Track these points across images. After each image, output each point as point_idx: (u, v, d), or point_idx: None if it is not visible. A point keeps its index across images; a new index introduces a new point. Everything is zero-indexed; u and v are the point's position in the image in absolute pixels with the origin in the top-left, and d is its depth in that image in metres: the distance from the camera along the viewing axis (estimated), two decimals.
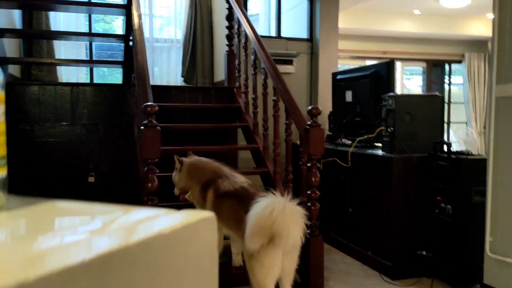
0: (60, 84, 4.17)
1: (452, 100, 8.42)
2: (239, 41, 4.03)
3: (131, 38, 3.66)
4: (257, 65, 3.65)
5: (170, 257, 0.39)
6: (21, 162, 3.77)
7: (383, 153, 3.07)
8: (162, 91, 4.06)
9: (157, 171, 2.49)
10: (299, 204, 2.04)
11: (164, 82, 5.54)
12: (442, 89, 8.38)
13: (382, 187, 3.04)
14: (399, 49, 7.70)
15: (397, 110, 2.97)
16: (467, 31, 7.66)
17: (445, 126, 7.06)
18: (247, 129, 3.80)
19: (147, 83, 2.78)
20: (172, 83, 5.57)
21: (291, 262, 2.17)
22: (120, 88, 4.18)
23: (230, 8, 4.16)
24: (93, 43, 5.46)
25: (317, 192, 2.67)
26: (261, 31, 5.50)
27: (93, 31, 5.40)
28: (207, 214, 0.44)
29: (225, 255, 2.71)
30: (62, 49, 5.15)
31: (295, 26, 5.04)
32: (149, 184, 2.45)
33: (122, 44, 4.26)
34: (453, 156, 2.79)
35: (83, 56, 5.37)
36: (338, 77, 4.00)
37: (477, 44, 8.12)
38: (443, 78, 8.51)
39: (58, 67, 5.00)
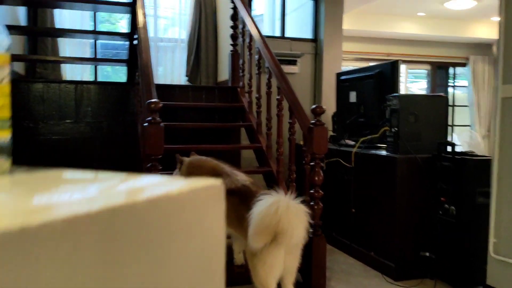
0: (65, 82, 4.18)
1: (456, 104, 8.39)
2: (244, 40, 4.03)
3: (135, 36, 3.67)
4: (261, 64, 3.65)
5: (178, 220, 0.39)
6: (25, 159, 3.77)
7: (387, 153, 3.06)
8: (166, 90, 4.06)
9: (160, 167, 2.49)
10: (302, 202, 2.04)
11: (168, 82, 5.55)
12: (446, 92, 8.36)
13: (385, 187, 3.03)
14: (404, 52, 7.69)
15: (402, 110, 2.96)
16: (472, 34, 7.64)
17: (449, 129, 7.05)
18: (250, 128, 3.79)
19: (151, 81, 2.78)
20: (176, 82, 5.57)
21: (293, 260, 2.16)
22: (124, 87, 4.19)
23: (235, 8, 4.16)
24: (98, 43, 5.47)
25: (320, 191, 2.66)
26: (266, 31, 5.50)
27: None
28: (215, 182, 0.44)
29: (226, 254, 2.70)
30: (67, 48, 5.16)
31: (299, 26, 5.04)
32: None
33: (127, 43, 4.27)
34: (457, 156, 2.78)
35: (88, 55, 5.38)
36: (342, 77, 4.00)
37: (481, 47, 8.10)
38: (447, 81, 8.48)
39: (62, 66, 5.01)
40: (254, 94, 3.75)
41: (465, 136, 7.59)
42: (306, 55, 4.78)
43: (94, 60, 5.27)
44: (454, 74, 8.45)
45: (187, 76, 5.49)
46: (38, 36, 4.70)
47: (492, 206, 2.43)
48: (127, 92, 4.03)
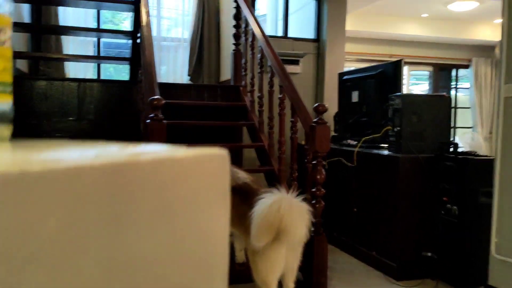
0: (68, 79, 4.19)
1: (458, 106, 8.38)
2: (246, 40, 4.03)
3: (138, 35, 3.67)
4: (263, 63, 3.65)
5: (181, 185, 0.39)
6: None
7: (389, 153, 3.06)
8: (168, 89, 4.06)
9: None
10: (304, 200, 2.03)
11: (170, 81, 5.55)
12: (448, 94, 8.34)
13: (387, 187, 3.02)
14: (406, 53, 7.68)
15: (404, 110, 2.96)
16: (475, 36, 7.64)
17: (451, 131, 7.04)
18: (252, 127, 3.79)
19: (153, 78, 2.79)
20: (179, 82, 5.58)
21: (294, 258, 2.16)
22: (127, 85, 4.20)
23: (237, 7, 4.16)
24: (101, 42, 5.48)
25: (322, 189, 2.66)
26: (268, 31, 5.50)
27: None
28: (220, 151, 0.44)
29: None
30: (70, 47, 5.18)
31: (302, 26, 5.04)
32: None
33: (130, 43, 4.27)
34: (460, 156, 2.77)
35: (91, 54, 5.39)
36: (345, 77, 4.00)
37: (484, 49, 8.09)
38: (449, 83, 8.47)
39: (65, 65, 5.02)
40: (256, 93, 3.75)
41: (467, 138, 7.57)
42: (309, 55, 4.78)
43: (97, 58, 5.28)
44: (457, 76, 8.44)
45: (189, 75, 5.49)
46: (41, 34, 4.71)
47: (495, 206, 2.43)
48: (130, 90, 4.04)
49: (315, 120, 2.66)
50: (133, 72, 4.29)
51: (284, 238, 1.97)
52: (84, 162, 0.31)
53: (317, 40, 4.84)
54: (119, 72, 6.55)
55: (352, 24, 6.24)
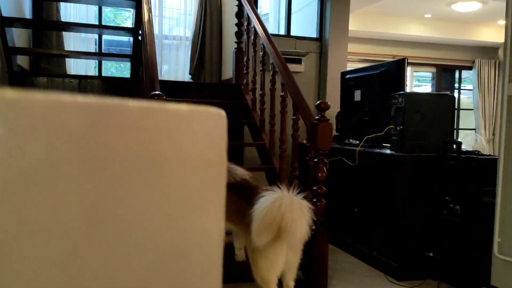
0: (69, 76, 4.17)
1: (461, 108, 8.35)
2: (248, 38, 4.01)
3: (140, 32, 3.66)
4: (265, 61, 3.63)
5: (172, 139, 0.36)
6: None
7: (392, 152, 3.03)
8: (169, 86, 4.05)
9: None
10: (305, 198, 2.01)
11: (172, 79, 5.53)
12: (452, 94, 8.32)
13: (389, 186, 3.00)
14: (409, 54, 7.65)
15: (407, 108, 2.93)
16: (478, 37, 7.61)
17: (454, 132, 7.00)
18: (253, 126, 3.77)
19: (155, 74, 2.77)
20: (180, 80, 5.56)
21: (295, 255, 2.14)
22: (128, 82, 4.18)
23: (240, 5, 4.15)
24: (103, 39, 5.46)
25: (323, 187, 2.63)
26: (271, 30, 5.46)
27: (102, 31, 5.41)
28: (218, 110, 0.41)
29: (226, 251, 2.67)
30: (72, 44, 5.16)
31: (304, 25, 5.02)
32: None
33: (131, 40, 4.26)
34: (462, 156, 2.75)
35: (93, 51, 5.38)
36: (347, 76, 3.97)
37: (488, 51, 8.06)
38: (452, 85, 8.44)
39: (67, 62, 5.00)
40: (258, 92, 3.73)
41: (470, 140, 7.54)
42: (311, 54, 4.76)
43: (98, 55, 5.27)
44: (460, 78, 8.40)
45: (190, 74, 5.48)
46: (43, 30, 4.69)
47: (498, 205, 2.40)
48: (131, 88, 4.02)
49: (317, 117, 2.64)
50: (134, 70, 4.27)
51: (285, 236, 1.95)
52: (64, 97, 0.29)
53: (320, 39, 4.82)
54: (121, 71, 6.55)
55: (355, 24, 6.21)
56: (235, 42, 4.34)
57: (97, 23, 5.44)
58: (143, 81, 3.23)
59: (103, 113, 0.31)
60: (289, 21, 4.94)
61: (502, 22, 6.92)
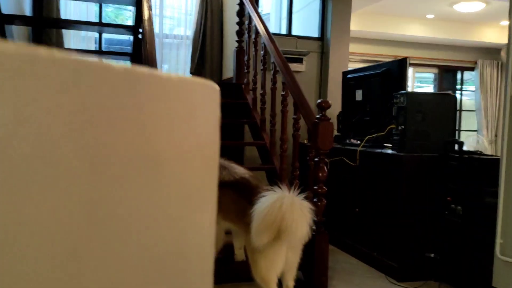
0: None
1: (463, 109, 8.33)
2: (249, 36, 3.99)
3: (140, 30, 3.63)
4: (266, 60, 3.61)
5: (161, 106, 0.34)
6: None
7: (393, 151, 3.01)
8: None
9: None
10: (305, 198, 2.00)
11: None
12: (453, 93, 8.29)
13: (390, 186, 2.97)
14: (411, 54, 7.63)
15: (409, 108, 2.91)
16: (481, 38, 7.57)
17: (456, 133, 6.98)
18: (254, 125, 3.75)
19: None
20: None
21: (295, 255, 2.12)
22: None
23: (241, 4, 4.13)
24: (103, 39, 5.44)
25: (324, 187, 2.61)
26: (272, 30, 5.45)
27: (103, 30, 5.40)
28: (211, 83, 0.39)
29: (225, 251, 2.65)
30: (72, 42, 5.15)
31: (306, 25, 5.00)
32: None
33: (131, 38, 4.23)
34: (465, 156, 2.72)
35: (93, 49, 5.36)
36: (349, 76, 3.95)
37: (490, 52, 8.03)
38: (454, 86, 8.42)
39: None
40: (259, 91, 3.71)
41: (472, 141, 7.51)
42: (312, 53, 4.73)
43: (98, 53, 5.24)
44: (462, 79, 8.38)
45: (191, 73, 5.46)
46: (43, 28, 4.68)
47: (500, 206, 2.38)
48: None
49: (318, 116, 2.62)
50: None
51: (285, 236, 1.93)
52: (42, 51, 0.27)
53: (321, 38, 4.79)
54: None
55: (356, 24, 6.19)
56: (236, 41, 4.32)
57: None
58: None
59: (85, 72, 0.29)
60: (290, 21, 4.92)
61: (505, 22, 6.90)
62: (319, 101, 2.63)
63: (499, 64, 8.03)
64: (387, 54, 7.52)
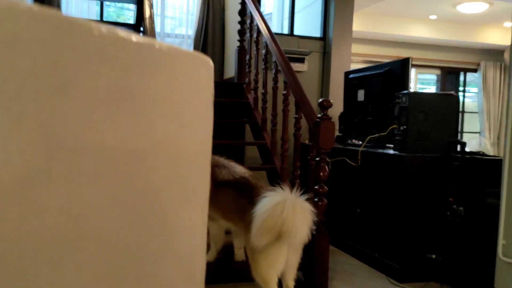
0: None
1: (465, 111, 8.30)
2: (251, 36, 3.98)
3: (141, 28, 3.63)
4: (268, 59, 3.59)
5: (149, 76, 0.32)
6: None
7: (395, 152, 2.99)
8: None
9: None
10: (307, 200, 1.98)
11: None
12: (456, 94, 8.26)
13: (392, 187, 2.95)
14: (414, 55, 7.60)
15: (411, 108, 2.89)
16: (484, 40, 7.54)
17: (458, 135, 6.95)
18: (255, 125, 3.73)
19: None
20: None
21: (295, 255, 2.11)
22: None
23: (243, 3, 4.12)
24: None
25: (325, 187, 2.59)
26: (274, 29, 5.44)
27: None
28: (204, 56, 0.37)
29: (225, 251, 2.64)
30: None
31: (308, 25, 4.99)
32: None
33: None
34: (467, 156, 2.70)
35: None
36: (351, 76, 3.93)
37: (493, 53, 8.00)
38: (457, 87, 8.39)
39: None
40: (260, 90, 3.69)
41: (474, 143, 7.48)
42: (314, 53, 4.72)
43: None
44: (465, 81, 8.35)
45: None
46: None
47: (502, 207, 2.35)
48: None
49: (319, 115, 2.60)
50: None
51: (285, 239, 1.92)
52: (21, 3, 0.25)
53: (323, 38, 4.78)
54: None
55: (359, 25, 6.18)
56: (238, 40, 4.31)
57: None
58: None
59: (65, 30, 0.27)
60: (292, 20, 4.91)
61: (508, 24, 6.87)
62: (320, 100, 2.62)
63: (502, 65, 7.99)
64: (389, 55, 7.50)
